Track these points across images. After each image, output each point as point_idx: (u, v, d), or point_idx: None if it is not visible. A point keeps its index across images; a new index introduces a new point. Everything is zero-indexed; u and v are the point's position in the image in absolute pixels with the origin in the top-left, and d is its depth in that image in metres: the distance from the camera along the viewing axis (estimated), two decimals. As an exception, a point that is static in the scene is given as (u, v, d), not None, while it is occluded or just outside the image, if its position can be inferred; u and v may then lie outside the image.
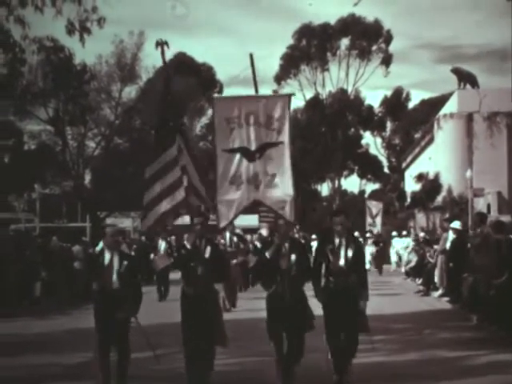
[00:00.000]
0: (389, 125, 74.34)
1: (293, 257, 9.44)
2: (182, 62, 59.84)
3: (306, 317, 9.43)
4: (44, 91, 43.35)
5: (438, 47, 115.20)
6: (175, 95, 10.99)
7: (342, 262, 9.41)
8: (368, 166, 71.87)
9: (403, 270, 35.99)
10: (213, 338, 9.50)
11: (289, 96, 10.40)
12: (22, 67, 18.36)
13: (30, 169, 45.40)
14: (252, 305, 18.63)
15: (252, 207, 10.38)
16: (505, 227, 15.42)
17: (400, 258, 37.84)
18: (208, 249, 9.67)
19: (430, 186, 50.27)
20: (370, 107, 71.35)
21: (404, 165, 69.73)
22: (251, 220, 22.31)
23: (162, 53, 10.28)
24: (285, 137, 9.92)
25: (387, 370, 10.15)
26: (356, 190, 76.27)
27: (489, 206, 43.38)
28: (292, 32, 68.22)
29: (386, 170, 74.84)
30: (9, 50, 16.59)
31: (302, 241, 22.19)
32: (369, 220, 40.09)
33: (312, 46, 67.83)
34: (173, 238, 24.91)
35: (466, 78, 51.67)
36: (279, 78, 67.80)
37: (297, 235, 26.48)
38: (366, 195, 71.32)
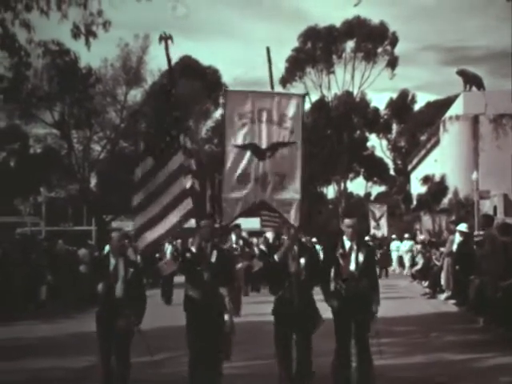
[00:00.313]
0: (394, 127, 74.44)
1: (302, 260, 9.20)
2: (188, 65, 59.88)
3: (315, 322, 9.18)
4: (49, 95, 43.40)
5: (443, 49, 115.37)
6: (179, 96, 10.68)
7: (352, 266, 9.12)
8: (374, 169, 71.86)
9: (404, 272, 36.04)
10: (218, 344, 9.19)
11: (303, 96, 10.07)
12: (27, 71, 18.42)
13: (36, 172, 45.47)
14: (256, 309, 18.62)
15: (257, 209, 10.12)
16: (511, 229, 15.38)
17: (401, 260, 37.89)
18: (214, 253, 9.41)
19: (436, 188, 50.18)
20: (376, 109, 71.36)
21: (410, 167, 69.66)
22: (256, 223, 22.34)
23: (166, 48, 9.91)
24: (298, 137, 9.55)
25: (393, 372, 10.12)
26: (362, 193, 76.33)
27: (495, 208, 43.26)
28: (297, 35, 68.32)
29: (391, 172, 74.87)
30: (14, 54, 16.63)
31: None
32: (372, 223, 40.08)
33: (317, 48, 67.86)
34: (178, 241, 24.90)
35: (471, 80, 51.58)
36: (285, 81, 67.75)
37: (303, 239, 26.53)
38: (372, 198, 71.38)
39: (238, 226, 19.39)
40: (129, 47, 45.24)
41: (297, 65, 67.76)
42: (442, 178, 50.20)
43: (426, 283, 25.39)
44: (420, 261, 28.75)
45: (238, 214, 9.55)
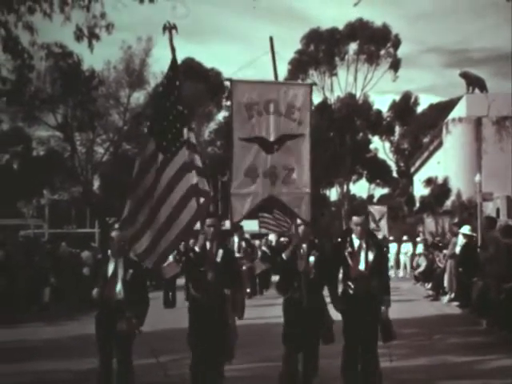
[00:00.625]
0: (397, 129, 74.37)
1: (311, 259, 8.96)
2: (190, 68, 59.90)
3: (324, 326, 8.94)
4: (52, 97, 43.46)
5: (446, 51, 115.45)
6: (183, 98, 10.01)
7: (362, 266, 8.81)
8: (376, 171, 71.82)
9: (401, 275, 36.02)
10: (220, 346, 8.88)
11: (310, 85, 9.71)
12: (30, 73, 18.44)
13: (39, 175, 45.57)
14: (260, 311, 18.65)
15: (266, 204, 9.69)
16: (514, 231, 15.37)
17: (398, 263, 37.91)
18: (220, 252, 9.07)
19: (439, 190, 50.15)
20: (379, 112, 71.32)
21: (413, 169, 69.64)
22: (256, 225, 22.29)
23: (170, 38, 9.47)
24: (306, 129, 9.22)
25: (397, 375, 10.11)
26: (365, 195, 76.26)
27: (498, 211, 43.21)
28: (300, 37, 68.33)
29: (394, 174, 74.84)
30: (17, 57, 16.64)
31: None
32: (372, 225, 39.99)
33: (320, 50, 67.84)
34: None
35: (474, 82, 51.56)
36: (287, 83, 67.66)
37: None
38: (375, 200, 71.29)
39: (240, 227, 19.23)
40: (132, 50, 45.37)
41: (299, 67, 67.69)
42: (445, 180, 50.17)
43: (429, 285, 25.38)
44: (423, 263, 28.71)
45: (248, 210, 9.17)
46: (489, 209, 42.19)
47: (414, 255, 35.55)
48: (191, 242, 10.16)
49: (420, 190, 56.50)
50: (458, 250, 19.42)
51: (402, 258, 37.30)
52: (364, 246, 8.89)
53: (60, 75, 40.79)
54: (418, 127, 71.28)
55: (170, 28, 9.55)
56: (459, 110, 51.96)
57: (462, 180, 47.42)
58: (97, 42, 15.58)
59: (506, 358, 11.73)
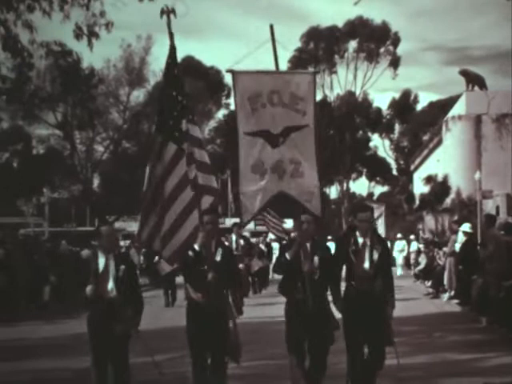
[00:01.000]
0: (397, 127, 74.48)
1: (316, 259, 8.45)
2: (190, 66, 59.92)
3: (330, 327, 8.51)
4: (52, 96, 43.52)
5: (446, 49, 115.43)
6: (183, 87, 9.37)
7: (366, 264, 8.45)
8: (376, 169, 71.87)
9: (398, 273, 36.07)
10: (221, 348, 8.46)
11: (313, 74, 9.39)
12: (30, 72, 18.41)
13: (39, 173, 45.58)
14: (258, 310, 18.65)
15: (275, 201, 9.21)
16: (514, 229, 15.37)
17: (394, 260, 37.97)
18: (219, 251, 8.55)
19: (439, 188, 50.13)
20: (378, 109, 71.39)
21: (412, 167, 69.63)
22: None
23: (169, 23, 9.13)
24: (310, 119, 8.90)
25: (397, 372, 10.11)
26: (364, 193, 76.30)
27: (498, 208, 43.18)
28: (300, 35, 68.34)
29: (394, 172, 74.88)
30: (17, 55, 16.62)
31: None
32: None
33: (320, 48, 67.87)
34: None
35: (474, 80, 51.53)
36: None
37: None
38: (375, 197, 71.34)
39: (237, 225, 19.09)
40: (131, 48, 45.50)
41: (299, 65, 67.70)
42: (445, 178, 50.15)
43: (429, 283, 25.38)
44: (423, 261, 28.71)
45: (259, 208, 8.86)
46: (488, 206, 42.15)
47: (409, 253, 35.64)
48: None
49: (420, 188, 56.51)
50: (457, 247, 19.41)
51: (396, 256, 37.31)
52: (368, 243, 8.53)
53: (60, 74, 40.79)
54: (418, 125, 71.31)
55: (168, 12, 9.30)
56: (459, 108, 51.93)
57: (461, 178, 47.39)
58: (96, 40, 15.56)
59: (505, 356, 11.73)
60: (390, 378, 9.59)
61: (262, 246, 29.98)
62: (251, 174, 8.77)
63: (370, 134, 72.09)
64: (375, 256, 8.48)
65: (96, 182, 51.52)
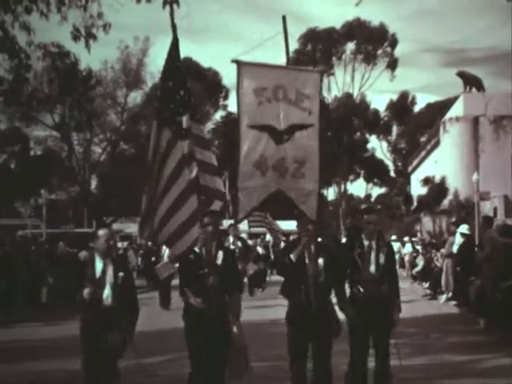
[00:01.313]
0: (395, 129, 74.56)
1: (321, 260, 8.16)
2: (188, 67, 59.91)
3: (335, 330, 8.18)
4: (50, 97, 43.54)
5: (443, 51, 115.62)
6: (186, 80, 8.88)
7: (372, 268, 8.24)
8: (374, 170, 71.90)
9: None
10: (222, 357, 8.06)
11: (320, 72, 9.12)
12: (27, 73, 18.35)
13: (37, 175, 45.58)
14: (256, 312, 18.64)
15: (272, 199, 8.79)
16: (511, 231, 15.38)
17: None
18: (220, 253, 8.18)
19: (437, 189, 50.23)
20: (376, 111, 71.41)
21: (410, 169, 69.73)
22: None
23: (171, 13, 8.76)
24: (315, 119, 8.66)
25: (395, 374, 10.10)
26: (362, 195, 76.36)
27: (495, 210, 43.24)
28: (297, 36, 68.36)
29: (392, 173, 74.93)
30: (14, 56, 16.59)
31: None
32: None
33: (317, 50, 67.87)
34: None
35: (471, 82, 51.64)
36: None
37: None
38: (373, 199, 71.39)
39: (233, 225, 18.93)
40: (129, 49, 45.50)
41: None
42: (443, 180, 50.26)
43: (426, 284, 25.39)
44: (420, 262, 28.73)
45: (255, 206, 8.51)
46: (486, 208, 42.19)
47: (403, 254, 35.65)
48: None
49: (417, 190, 56.58)
50: (455, 249, 19.43)
51: None
52: (374, 246, 8.33)
53: (57, 75, 40.72)
54: (416, 126, 71.42)
55: (171, 2, 9.07)
56: (456, 110, 52.02)
57: (459, 179, 47.46)
58: (94, 41, 15.50)
59: (503, 357, 11.74)
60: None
61: (260, 249, 29.92)
62: (253, 168, 8.39)
63: (367, 135, 72.12)
64: (381, 259, 8.28)
65: (94, 183, 51.52)
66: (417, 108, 74.16)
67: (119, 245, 36.78)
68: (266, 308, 19.62)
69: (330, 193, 73.26)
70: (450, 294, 20.57)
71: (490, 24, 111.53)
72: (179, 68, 8.81)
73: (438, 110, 63.85)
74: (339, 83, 68.76)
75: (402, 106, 72.10)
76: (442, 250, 22.85)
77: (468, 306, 17.51)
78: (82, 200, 47.07)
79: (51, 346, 14.29)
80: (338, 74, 68.77)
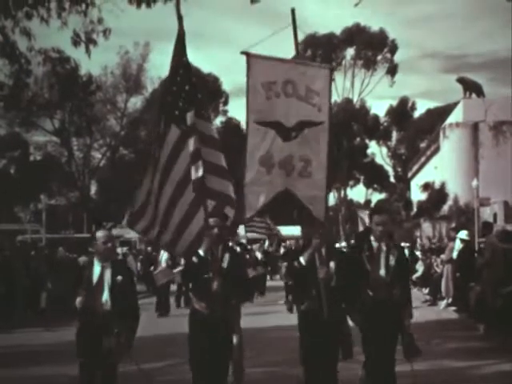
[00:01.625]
0: (394, 134, 74.49)
1: (332, 264, 7.87)
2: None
3: (345, 341, 8.00)
4: (50, 102, 43.58)
5: (443, 57, 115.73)
6: (192, 76, 8.46)
7: (382, 271, 7.85)
8: (374, 176, 71.84)
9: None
10: (225, 366, 7.89)
11: (330, 69, 8.76)
12: (27, 78, 18.39)
13: (36, 180, 45.60)
14: (255, 318, 18.61)
15: (280, 198, 8.37)
16: (511, 236, 15.38)
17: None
18: (226, 256, 7.93)
19: (436, 195, 50.19)
20: (376, 117, 71.37)
21: (410, 174, 69.72)
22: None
23: (178, 3, 8.45)
24: (325, 116, 8.26)
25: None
26: (362, 200, 76.30)
27: (495, 216, 43.25)
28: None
29: (391, 179, 74.89)
30: (14, 62, 16.64)
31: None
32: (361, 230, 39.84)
33: (317, 55, 67.84)
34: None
35: (471, 88, 51.67)
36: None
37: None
38: (372, 205, 71.35)
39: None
40: (129, 55, 45.60)
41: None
42: (442, 185, 50.23)
43: (426, 290, 25.38)
44: (420, 268, 28.71)
45: (263, 204, 8.13)
46: (486, 214, 42.20)
47: None
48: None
49: (417, 195, 56.55)
50: (455, 254, 19.42)
51: None
52: (384, 248, 7.94)
53: (57, 80, 40.90)
54: (415, 132, 71.41)
55: None
56: (456, 115, 52.04)
57: (459, 185, 47.45)
58: (94, 47, 15.55)
59: (503, 363, 11.73)
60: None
61: (259, 254, 29.92)
62: (258, 166, 8.06)
63: (367, 141, 72.06)
64: (392, 262, 7.90)
65: (93, 188, 51.55)
66: (417, 114, 74.22)
67: (119, 250, 36.77)
68: (265, 315, 19.58)
69: (330, 198, 73.16)
70: (450, 300, 20.56)
71: (490, 29, 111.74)
72: (185, 62, 8.42)
73: (438, 115, 63.85)
74: (339, 89, 68.71)
75: (401, 111, 72.08)
76: (442, 256, 22.84)
77: (468, 311, 17.50)
78: (82, 205, 47.07)
79: (52, 351, 14.28)
80: (338, 80, 68.69)
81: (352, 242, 23.14)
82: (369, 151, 72.80)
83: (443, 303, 21.27)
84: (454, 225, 37.02)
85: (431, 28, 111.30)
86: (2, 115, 43.59)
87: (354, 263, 7.91)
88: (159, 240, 8.33)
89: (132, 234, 51.35)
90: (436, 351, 13.52)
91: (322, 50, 67.71)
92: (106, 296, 7.57)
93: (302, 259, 7.91)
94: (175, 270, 20.47)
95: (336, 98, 68.81)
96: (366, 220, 39.71)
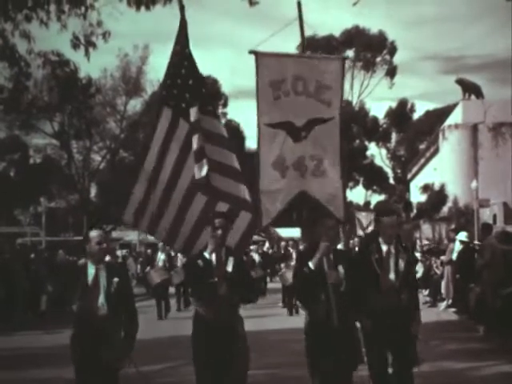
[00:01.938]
0: (394, 136, 74.49)
1: (341, 268, 7.43)
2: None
3: (357, 348, 7.52)
4: (49, 105, 43.56)
5: (442, 58, 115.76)
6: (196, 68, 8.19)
7: (392, 275, 7.53)
8: (373, 178, 71.88)
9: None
10: (232, 376, 7.40)
11: (342, 59, 8.42)
12: (27, 81, 18.41)
13: (36, 182, 45.62)
14: (255, 320, 18.61)
15: (297, 202, 8.11)
16: (510, 237, 15.39)
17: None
18: (230, 260, 7.52)
19: (436, 196, 50.20)
20: (375, 118, 71.42)
21: (409, 176, 69.71)
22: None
23: None
24: (335, 111, 7.96)
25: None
26: (361, 202, 76.29)
27: (495, 217, 43.26)
28: (296, 44, 68.35)
29: (391, 181, 74.90)
30: (14, 65, 16.65)
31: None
32: (360, 232, 39.89)
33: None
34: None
35: (470, 89, 51.70)
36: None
37: (301, 247, 26.39)
38: (371, 207, 71.31)
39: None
40: (128, 57, 45.54)
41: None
42: (442, 187, 50.24)
43: (426, 292, 25.38)
44: (420, 269, 28.70)
45: (279, 211, 7.81)
46: (485, 215, 42.23)
47: None
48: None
49: (417, 197, 56.57)
50: (454, 256, 19.42)
51: None
52: (393, 251, 7.62)
53: (57, 83, 40.88)
54: (415, 134, 71.40)
55: None
56: (455, 117, 52.07)
57: (458, 186, 47.49)
58: (93, 49, 15.56)
59: (503, 365, 11.71)
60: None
61: (256, 256, 29.90)
62: (272, 170, 7.78)
63: (366, 142, 72.12)
64: (401, 265, 7.58)
65: (93, 191, 51.51)
66: (416, 115, 74.23)
67: (118, 253, 36.80)
68: (265, 317, 19.55)
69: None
70: (450, 301, 20.56)
71: (489, 30, 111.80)
72: (187, 54, 8.17)
73: (437, 117, 63.87)
74: (338, 90, 68.75)
75: (401, 113, 72.11)
76: (442, 257, 22.85)
77: (468, 313, 17.50)
78: (82, 208, 47.05)
79: (52, 354, 14.25)
80: (337, 82, 68.74)
81: (351, 243, 23.15)
82: (368, 153, 72.91)
83: (443, 304, 21.27)
84: (453, 226, 37.05)
85: (430, 29, 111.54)
86: (1, 118, 43.58)
87: (364, 267, 7.59)
88: (162, 236, 8.15)
89: (132, 237, 51.44)
90: (436, 352, 13.51)
91: (321, 52, 67.67)
92: (101, 300, 7.09)
93: (310, 263, 7.42)
94: (172, 272, 20.51)
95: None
96: (364, 222, 39.72)
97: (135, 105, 47.20)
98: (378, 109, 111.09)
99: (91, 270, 7.19)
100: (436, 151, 55.45)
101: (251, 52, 7.92)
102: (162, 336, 15.60)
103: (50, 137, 46.62)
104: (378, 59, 68.51)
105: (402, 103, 72.76)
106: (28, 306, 20.88)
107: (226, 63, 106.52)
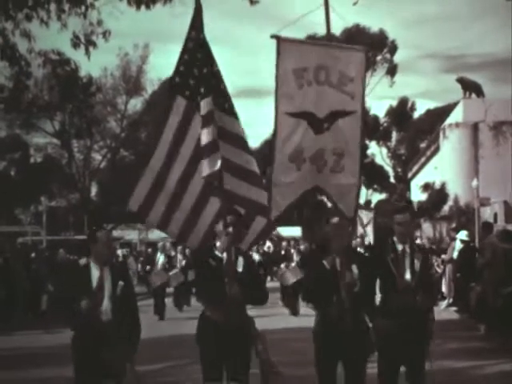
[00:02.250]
0: (394, 135, 74.39)
1: (354, 268, 7.15)
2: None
3: (368, 347, 7.25)
4: (50, 104, 43.54)
5: (443, 57, 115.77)
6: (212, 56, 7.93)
7: (407, 275, 7.27)
8: (374, 176, 71.75)
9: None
10: (246, 376, 7.22)
11: (365, 51, 7.97)
12: (27, 80, 18.41)
13: (37, 182, 45.60)
14: (255, 320, 18.58)
15: (308, 197, 7.78)
16: (511, 236, 15.39)
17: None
18: (240, 260, 7.30)
19: (437, 195, 50.18)
20: (376, 117, 71.33)
21: (410, 174, 69.70)
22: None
23: None
24: (358, 104, 7.60)
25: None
26: (362, 200, 76.22)
27: (495, 216, 43.27)
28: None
29: (391, 179, 74.86)
30: (15, 64, 16.66)
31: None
32: (360, 230, 39.97)
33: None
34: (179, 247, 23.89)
35: (471, 88, 51.70)
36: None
37: (302, 247, 26.37)
38: (372, 205, 71.35)
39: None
40: (128, 56, 45.46)
41: (297, 73, 67.69)
42: (443, 186, 50.24)
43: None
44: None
45: (289, 205, 7.46)
46: (486, 214, 42.23)
47: None
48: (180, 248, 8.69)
49: (417, 196, 56.55)
50: (455, 255, 19.42)
51: None
52: (408, 250, 7.36)
53: (57, 82, 40.81)
54: (415, 132, 71.38)
55: None
56: (456, 116, 52.07)
57: (459, 185, 47.48)
58: (94, 49, 15.58)
59: (504, 364, 11.73)
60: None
61: (256, 255, 29.85)
62: (288, 162, 7.37)
63: (367, 141, 72.05)
64: (417, 265, 7.32)
65: (94, 190, 51.51)
66: (416, 114, 74.17)
67: (119, 252, 36.84)
68: (266, 317, 19.53)
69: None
70: (451, 300, 20.57)
71: (489, 29, 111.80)
72: (202, 41, 7.90)
73: (438, 116, 63.86)
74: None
75: (401, 112, 72.06)
76: (443, 256, 22.86)
77: (468, 311, 17.51)
78: (82, 207, 47.05)
79: (52, 354, 14.26)
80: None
81: (354, 242, 23.11)
82: (369, 152, 72.73)
83: (444, 303, 21.27)
84: (454, 225, 37.05)
85: (431, 28, 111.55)
86: (2, 117, 43.54)
87: (379, 267, 7.35)
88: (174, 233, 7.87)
89: (132, 236, 51.49)
90: (436, 351, 13.41)
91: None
92: (106, 303, 6.84)
93: (325, 263, 7.16)
94: (171, 273, 20.46)
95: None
96: (364, 220, 39.84)
97: (135, 104, 47.18)
98: (379, 107, 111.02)
99: (95, 272, 6.95)
100: (437, 150, 55.46)
101: (273, 36, 7.49)
102: (162, 335, 15.60)
103: (50, 136, 46.59)
104: (379, 58, 68.34)
105: (403, 102, 72.70)
106: (28, 305, 20.88)
107: (227, 63, 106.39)
